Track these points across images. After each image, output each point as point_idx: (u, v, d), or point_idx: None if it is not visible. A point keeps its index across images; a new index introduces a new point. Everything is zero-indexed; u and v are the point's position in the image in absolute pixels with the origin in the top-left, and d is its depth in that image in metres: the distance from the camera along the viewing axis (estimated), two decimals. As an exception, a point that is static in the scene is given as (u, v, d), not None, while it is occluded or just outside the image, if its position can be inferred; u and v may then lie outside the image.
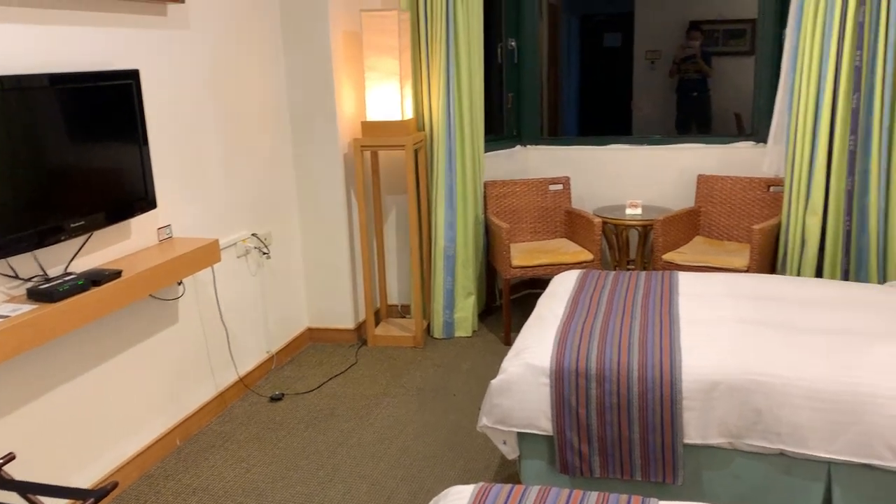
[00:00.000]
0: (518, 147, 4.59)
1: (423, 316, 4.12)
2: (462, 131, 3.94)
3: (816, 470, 2.23)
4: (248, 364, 3.62)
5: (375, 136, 3.81)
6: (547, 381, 2.39)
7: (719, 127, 7.57)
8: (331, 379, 3.68)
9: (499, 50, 4.55)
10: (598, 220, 3.91)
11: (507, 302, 3.95)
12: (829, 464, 2.21)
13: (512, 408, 2.43)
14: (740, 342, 2.41)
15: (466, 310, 4.09)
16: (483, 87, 4.04)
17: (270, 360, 3.80)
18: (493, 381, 2.46)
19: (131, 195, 2.69)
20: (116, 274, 2.52)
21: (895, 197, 3.42)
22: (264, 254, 3.70)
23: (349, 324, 4.09)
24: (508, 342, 3.97)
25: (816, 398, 2.18)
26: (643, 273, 3.15)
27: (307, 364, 3.87)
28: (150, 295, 2.92)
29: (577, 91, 9.35)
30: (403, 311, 4.38)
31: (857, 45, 3.39)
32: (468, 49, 3.88)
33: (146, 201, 2.77)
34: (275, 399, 3.48)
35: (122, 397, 2.82)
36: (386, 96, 3.78)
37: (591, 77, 9.25)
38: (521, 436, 2.48)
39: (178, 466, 2.94)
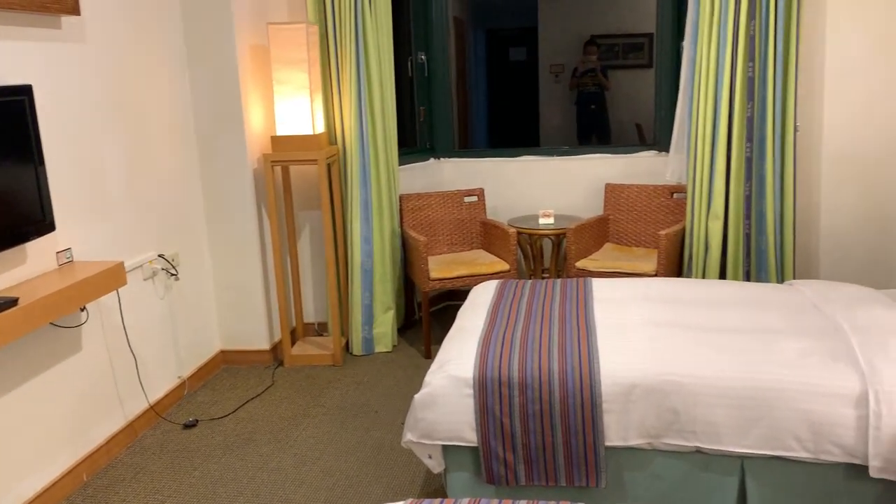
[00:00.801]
0: (432, 160, 4.61)
1: (341, 333, 4.06)
2: (375, 145, 3.91)
3: (731, 464, 2.32)
4: (158, 391, 3.47)
5: (286, 150, 3.73)
6: (471, 391, 2.39)
7: (622, 137, 7.84)
8: (247, 402, 3.56)
9: (409, 63, 4.56)
10: (513, 231, 3.96)
11: (426, 315, 3.94)
12: (743, 458, 2.30)
13: (436, 421, 2.41)
14: (654, 344, 2.48)
15: (385, 325, 4.06)
16: (395, 100, 4.04)
17: (182, 385, 3.65)
18: (417, 396, 2.44)
19: (27, 218, 2.53)
20: (12, 302, 2.36)
21: (789, 200, 3.62)
22: (172, 275, 3.56)
23: (264, 344, 3.98)
24: (429, 355, 3.96)
25: (728, 395, 2.26)
26: (559, 281, 3.21)
27: (221, 388, 3.73)
28: (51, 323, 2.75)
29: (485, 104, 9.49)
30: (321, 329, 4.30)
31: (750, 56, 3.57)
32: (378, 62, 3.87)
33: (43, 224, 2.61)
34: (188, 426, 3.34)
35: (23, 432, 2.64)
36: (296, 110, 3.71)
37: (498, 90, 9.41)
38: (446, 448, 2.47)
39: (86, 503, 2.78)
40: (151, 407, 3.38)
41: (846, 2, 3.42)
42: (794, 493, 2.28)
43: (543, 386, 2.36)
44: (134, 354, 3.26)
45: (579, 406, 2.33)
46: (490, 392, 2.38)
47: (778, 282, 3.69)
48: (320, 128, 3.87)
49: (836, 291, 2.88)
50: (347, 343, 4.12)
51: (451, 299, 4.80)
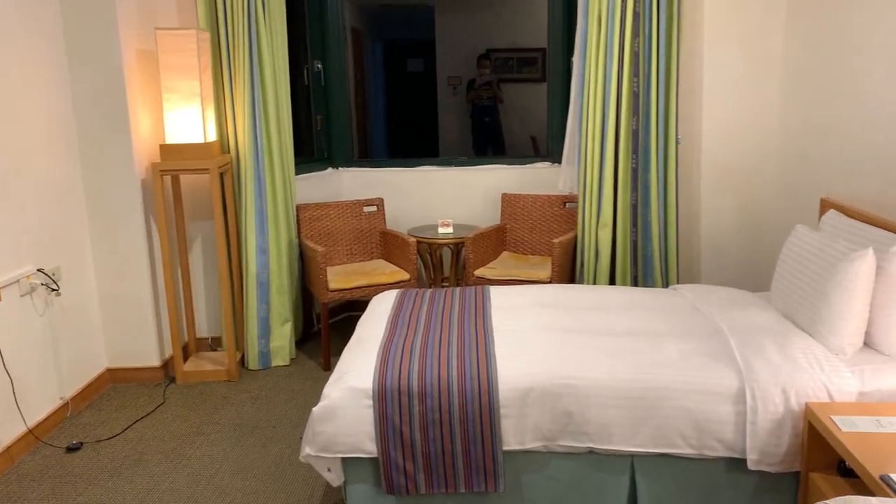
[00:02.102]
0: (330, 169, 4.57)
1: (236, 347, 3.95)
2: (271, 154, 3.84)
3: (622, 463, 2.41)
4: (38, 413, 3.26)
5: (176, 159, 3.61)
6: (370, 402, 2.38)
7: (517, 149, 8.02)
8: (136, 422, 3.40)
9: (305, 72, 4.51)
10: (412, 241, 3.98)
11: (325, 326, 3.89)
12: (633, 456, 2.39)
13: (335, 433, 2.38)
14: (548, 349, 2.54)
15: (283, 338, 3.98)
16: (290, 108, 3.98)
17: (65, 406, 3.45)
18: (315, 409, 2.41)
19: None
20: None
21: (672, 209, 3.81)
22: (53, 290, 3.36)
23: (154, 361, 3.82)
24: (329, 367, 3.91)
25: (617, 396, 2.35)
26: (457, 289, 3.25)
27: (108, 408, 3.55)
28: (-88, 344, 2.54)
29: (385, 115, 9.50)
30: (215, 344, 4.17)
31: (634, 72, 3.74)
32: (273, 70, 3.81)
33: None
34: (72, 449, 3.16)
35: None
36: (187, 118, 3.60)
37: (397, 101, 9.44)
38: (345, 461, 2.45)
39: (-45, 538, 2.58)
40: (30, 431, 3.17)
41: (721, 22, 3.65)
42: (680, 489, 2.39)
43: (443, 394, 2.38)
44: (10, 376, 3.06)
45: (478, 412, 2.37)
46: (390, 402, 2.38)
47: (663, 286, 3.87)
48: (212, 136, 3.77)
49: (715, 295, 3.05)
50: (243, 357, 4.01)
51: (351, 310, 4.76)
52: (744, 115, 3.74)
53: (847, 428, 2.08)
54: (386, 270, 4.05)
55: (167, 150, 3.61)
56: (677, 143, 3.80)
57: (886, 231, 2.59)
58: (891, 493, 1.76)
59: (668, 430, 2.33)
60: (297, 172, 4.23)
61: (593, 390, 2.36)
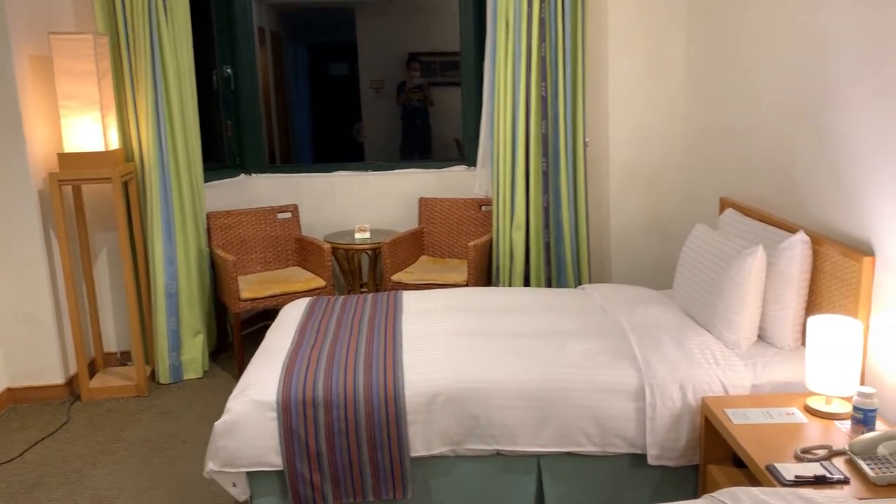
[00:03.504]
0: (242, 176, 4.48)
1: (145, 361, 3.83)
2: (177, 161, 3.74)
3: (528, 464, 2.43)
4: (-74, 440, 3.08)
5: (76, 169, 3.47)
6: (274, 414, 2.34)
7: (442, 153, 8.05)
8: (37, 443, 3.26)
9: (214, 76, 4.41)
10: (327, 246, 3.93)
11: (238, 337, 3.81)
12: (539, 457, 2.42)
13: (239, 448, 2.33)
14: (455, 353, 2.55)
15: (195, 350, 3.87)
16: (198, 114, 3.88)
17: (-42, 431, 3.27)
18: (217, 423, 2.35)
19: None
20: None
21: (582, 210, 3.88)
22: (-58, 309, 3.18)
23: (58, 379, 3.66)
24: (242, 378, 3.83)
25: (521, 398, 2.38)
26: (370, 295, 3.23)
27: (7, 430, 3.39)
28: None
29: (308, 119, 9.38)
30: (123, 359, 4.02)
31: (542, 76, 3.80)
32: (178, 74, 3.71)
33: None
34: (-36, 476, 3.00)
35: None
36: (86, 126, 3.47)
37: (321, 105, 9.34)
38: (250, 475, 2.40)
39: None
40: (-83, 459, 3.00)
41: (625, 28, 3.74)
42: (585, 487, 2.43)
43: (349, 403, 2.35)
44: None
45: (384, 420, 2.35)
46: (294, 414, 2.34)
47: (575, 286, 3.94)
48: (115, 144, 3.64)
49: (621, 294, 3.12)
50: (153, 371, 3.89)
51: (266, 319, 4.68)
52: (648, 119, 3.84)
53: (738, 420, 2.15)
54: (301, 278, 4.00)
55: (66, 160, 3.47)
56: (585, 146, 3.88)
57: (778, 229, 2.70)
58: (775, 482, 1.83)
59: (571, 429, 2.37)
60: (207, 179, 4.13)
61: (497, 392, 2.38)
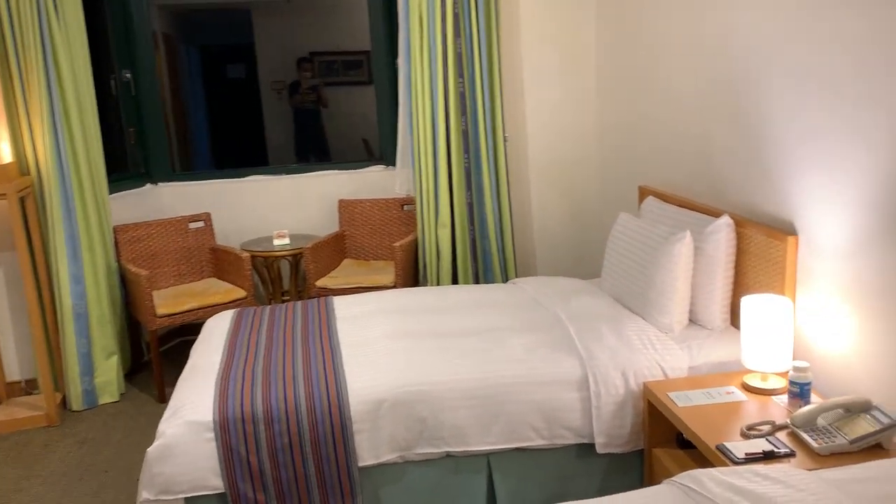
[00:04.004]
0: (148, 185, 4.25)
1: (55, 388, 3.57)
2: (79, 172, 3.50)
3: (478, 463, 2.41)
4: None
5: (-35, 186, 3.19)
6: (211, 435, 2.22)
7: (348, 153, 7.94)
8: (-63, 487, 2.98)
9: (112, 82, 4.16)
10: (246, 255, 3.78)
11: (156, 355, 3.61)
12: (488, 455, 2.40)
13: (176, 473, 2.20)
14: (396, 357, 2.50)
15: (109, 372, 3.64)
16: (98, 122, 3.65)
17: None
18: (150, 449, 2.21)
19: None
20: None
21: (505, 206, 3.90)
22: None
23: (-44, 414, 3.36)
24: (164, 399, 3.63)
25: (468, 397, 2.35)
26: (299, 303, 3.12)
27: None
28: None
29: (206, 124, 9.05)
30: (30, 387, 3.74)
31: (459, 73, 3.79)
32: (74, 80, 3.47)
33: None
34: None
35: None
36: (-27, 139, 3.19)
37: (219, 109, 9.03)
38: (189, 500, 2.26)
39: None
40: None
41: (537, 22, 3.77)
42: (535, 480, 2.43)
43: (290, 416, 2.26)
44: None
45: (329, 431, 2.27)
46: (233, 432, 2.22)
47: (502, 281, 3.96)
48: (8, 157, 3.37)
49: (552, 286, 3.15)
50: (64, 398, 3.63)
51: (184, 334, 4.46)
52: (564, 111, 3.90)
53: (682, 403, 2.20)
54: (220, 289, 3.83)
55: (-48, 176, 3.18)
56: (505, 141, 3.89)
57: (700, 213, 2.78)
58: (727, 461, 1.88)
59: (519, 425, 2.36)
60: (112, 191, 3.88)
61: (444, 393, 2.35)
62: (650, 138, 3.36)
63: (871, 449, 1.87)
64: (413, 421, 2.32)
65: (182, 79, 8.35)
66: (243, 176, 4.38)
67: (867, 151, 2.02)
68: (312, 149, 7.69)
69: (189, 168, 8.07)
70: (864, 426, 1.88)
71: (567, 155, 3.95)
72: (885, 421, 1.86)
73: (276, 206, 4.41)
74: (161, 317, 3.56)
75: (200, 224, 4.14)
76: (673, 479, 1.72)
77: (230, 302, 3.73)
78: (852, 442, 1.85)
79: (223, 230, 4.33)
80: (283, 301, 4.21)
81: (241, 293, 3.78)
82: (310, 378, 2.38)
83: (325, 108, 7.58)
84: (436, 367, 2.42)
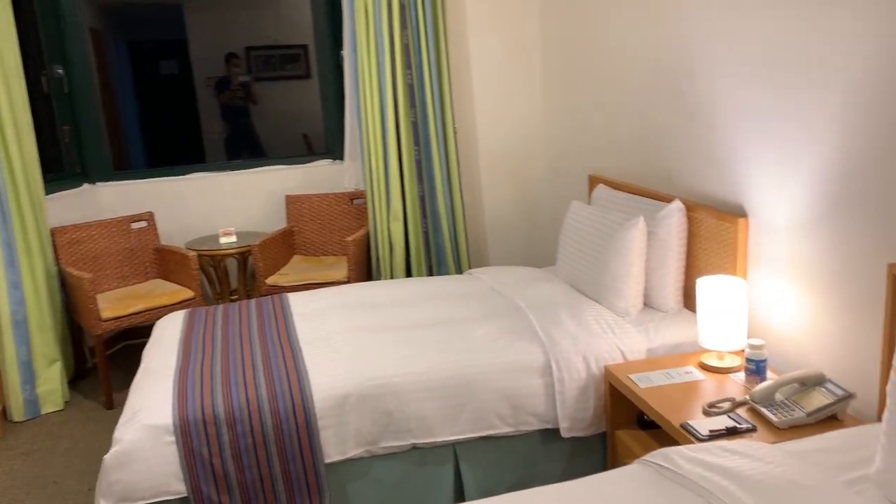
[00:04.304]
0: (86, 185, 4.09)
1: (-6, 399, 3.41)
2: (12, 173, 3.35)
3: (445, 454, 2.41)
4: None
5: None
6: (172, 438, 2.16)
7: (287, 150, 7.81)
8: None
9: (43, 79, 3.99)
10: (193, 254, 3.69)
11: (102, 361, 3.49)
12: (455, 445, 2.40)
13: (135, 480, 2.13)
14: (359, 351, 2.47)
15: (52, 380, 3.50)
16: (31, 121, 3.49)
17: None
18: (107, 457, 2.13)
19: None
20: None
21: (457, 197, 3.90)
22: None
23: None
24: (112, 405, 3.51)
25: (434, 388, 2.35)
26: (252, 301, 3.06)
27: None
28: None
29: (138, 122, 8.79)
30: (-34, 399, 3.56)
31: (407, 64, 3.76)
32: (4, 77, 3.31)
33: None
34: None
35: None
36: None
37: (152, 106, 8.78)
38: (150, 507, 2.20)
39: None
40: None
41: (482, 11, 3.78)
42: (502, 468, 2.44)
43: (253, 416, 2.22)
44: None
45: (294, 429, 2.24)
46: (195, 435, 2.17)
47: (456, 273, 3.96)
48: (-66, 158, 3.20)
49: (508, 275, 3.17)
50: (4, 409, 3.48)
51: (129, 338, 4.32)
52: (511, 102, 3.92)
53: (644, 384, 2.24)
54: (166, 290, 3.72)
55: None
56: (455, 132, 3.89)
57: (651, 199, 2.84)
58: (692, 439, 1.92)
59: (485, 413, 2.37)
60: (48, 192, 3.72)
61: (409, 386, 2.34)
62: (599, 127, 3.41)
63: (827, 420, 1.95)
64: (379, 414, 2.31)
65: (112, 76, 8.09)
66: (185, 173, 4.26)
67: (811, 133, 2.10)
68: (244, 146, 7.56)
69: (123, 167, 7.82)
70: (819, 399, 1.95)
71: (516, 145, 3.98)
72: (839, 393, 1.94)
73: (221, 204, 4.31)
74: (106, 320, 3.44)
75: (143, 224, 4.01)
76: (644, 458, 1.76)
77: (178, 303, 3.63)
78: (809, 414, 1.92)
79: (166, 230, 4.21)
80: (233, 300, 4.12)
81: (188, 293, 3.69)
82: (271, 376, 2.34)
83: (255, 105, 7.46)
84: (400, 359, 2.41)
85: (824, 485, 1.51)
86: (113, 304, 3.55)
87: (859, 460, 1.65)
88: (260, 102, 7.52)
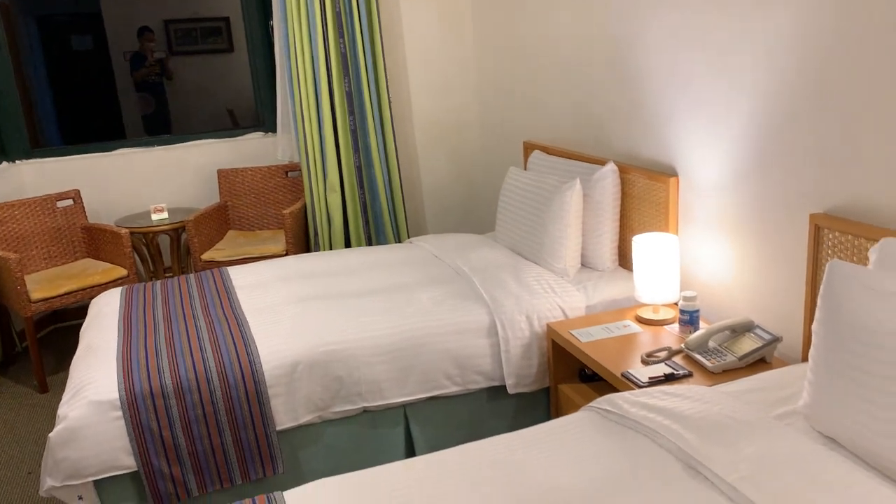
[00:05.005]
0: (5, 164, 3.92)
1: (-82, 388, 3.27)
2: (-75, 152, 3.18)
3: (395, 416, 2.45)
4: None
5: None
6: (119, 413, 2.13)
7: (210, 125, 7.62)
8: None
9: (-47, 51, 3.78)
10: (125, 232, 3.59)
11: (33, 344, 3.37)
12: (405, 406, 2.45)
13: (83, 456, 2.10)
14: (306, 319, 2.48)
15: (-20, 365, 3.38)
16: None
17: None
18: (52, 435, 2.09)
19: None
20: None
21: (394, 167, 3.91)
22: None
23: None
24: (46, 389, 3.41)
25: (383, 352, 2.38)
26: (192, 276, 3.02)
27: None
28: None
29: (52, 98, 8.41)
30: None
31: (340, 33, 3.73)
32: (-88, 50, 3.13)
33: None
34: None
35: None
36: None
37: (66, 83, 8.40)
38: (98, 483, 2.17)
39: None
40: None
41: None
42: (451, 426, 2.51)
43: (202, 387, 2.21)
44: None
45: (244, 398, 2.24)
46: (143, 408, 2.14)
47: (395, 242, 3.98)
48: None
49: (449, 242, 3.22)
50: (-71, 398, 3.34)
51: (58, 321, 4.19)
52: (445, 70, 3.94)
53: (585, 339, 2.34)
54: (98, 269, 3.62)
55: None
56: (389, 102, 3.89)
57: (586, 163, 2.93)
58: (633, 386, 2.02)
59: (433, 374, 2.43)
60: (-36, 171, 3.56)
61: (358, 351, 2.37)
62: (531, 95, 3.48)
63: (757, 363, 2.08)
64: (329, 380, 2.33)
65: (22, 51, 7.69)
66: (111, 150, 4.12)
67: (737, 95, 2.21)
68: (165, 123, 7.36)
69: (39, 144, 7.49)
70: (748, 344, 2.08)
71: (450, 114, 4.01)
72: (767, 337, 2.07)
73: (150, 180, 4.19)
74: (37, 302, 3.33)
75: (69, 202, 3.87)
76: (590, 404, 1.84)
77: (111, 281, 3.54)
78: (740, 358, 2.05)
79: (94, 208, 4.07)
80: (167, 277, 4.03)
81: (121, 272, 3.60)
82: (217, 347, 2.33)
83: (170, 81, 7.26)
84: (348, 325, 2.43)
85: (758, 419, 1.62)
86: (42, 285, 3.44)
87: (788, 397, 1.78)
88: (179, 78, 7.30)
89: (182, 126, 7.48)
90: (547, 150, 3.30)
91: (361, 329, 2.41)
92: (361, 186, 3.91)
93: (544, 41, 3.28)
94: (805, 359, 2.04)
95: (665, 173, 2.57)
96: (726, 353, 2.08)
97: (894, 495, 1.36)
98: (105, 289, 3.50)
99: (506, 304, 2.51)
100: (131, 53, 7.25)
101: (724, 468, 1.47)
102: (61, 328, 4.16)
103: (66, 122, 8.42)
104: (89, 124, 8.34)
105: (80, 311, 4.19)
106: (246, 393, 2.24)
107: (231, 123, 7.48)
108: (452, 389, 2.46)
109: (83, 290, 3.46)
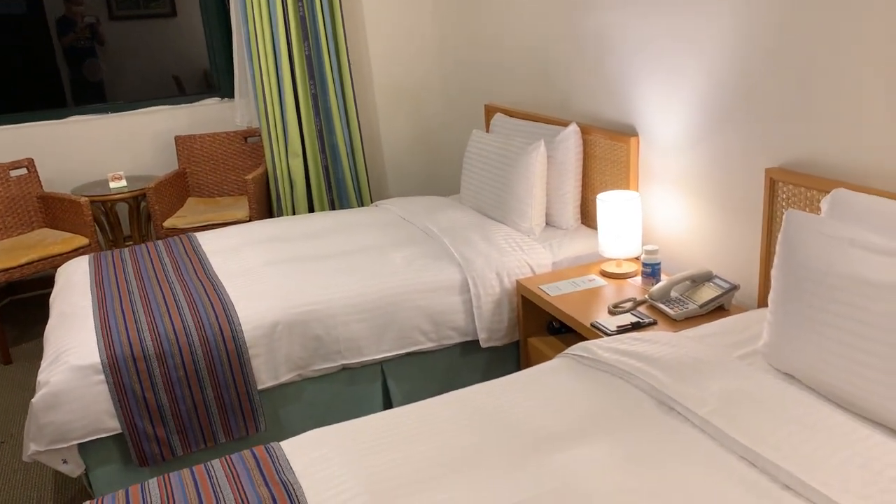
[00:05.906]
0: (-49, 133, 3.80)
1: None
2: None
3: (373, 372, 2.53)
4: None
5: None
6: (101, 377, 2.15)
7: (159, 91, 7.44)
8: None
9: None
10: (85, 200, 3.54)
11: (-6, 314, 3.33)
12: (382, 363, 2.53)
13: (67, 420, 2.12)
14: (283, 281, 2.53)
15: (-61, 338, 3.32)
16: None
17: None
18: (35, 400, 2.10)
19: None
20: None
21: (355, 131, 3.93)
22: None
23: None
24: (9, 360, 3.37)
25: (360, 311, 2.45)
26: (160, 242, 3.02)
27: None
28: None
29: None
30: None
31: (298, -3, 3.71)
32: None
33: None
34: None
35: None
36: None
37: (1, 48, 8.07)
38: (82, 446, 2.20)
39: None
40: None
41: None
42: (426, 380, 2.60)
43: (183, 348, 2.24)
44: None
45: (225, 358, 2.28)
46: (125, 371, 2.17)
47: (358, 206, 4.02)
48: None
49: (416, 204, 3.28)
50: None
51: (13, 293, 4.12)
52: (404, 36, 3.96)
53: (554, 293, 2.44)
54: (58, 239, 3.57)
55: None
56: (349, 65, 3.89)
57: (548, 124, 3.01)
58: (602, 334, 2.14)
59: (409, 331, 2.51)
60: (-89, 140, 3.44)
61: (336, 310, 2.43)
62: (492, 58, 3.53)
63: (717, 311, 2.21)
64: (308, 339, 2.39)
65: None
66: (62, 117, 4.03)
67: (696, 56, 2.31)
68: (101, 90, 7.16)
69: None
70: (708, 292, 2.21)
71: (411, 78, 4.04)
72: (725, 286, 2.21)
73: (105, 148, 4.12)
74: (-4, 272, 3.28)
75: (23, 171, 3.79)
76: (566, 351, 1.95)
77: (72, 251, 3.50)
78: (701, 306, 2.18)
79: (48, 177, 3.99)
80: (127, 246, 3.99)
81: (82, 241, 3.55)
82: (196, 309, 2.36)
83: (102, 46, 7.05)
84: (324, 286, 2.48)
85: (722, 359, 1.75)
86: (0, 257, 3.38)
87: (747, 339, 1.91)
88: (120, 45, 7.08)
89: (123, 94, 7.28)
90: (509, 112, 3.37)
91: (339, 289, 2.47)
92: (323, 151, 3.92)
93: (505, 3, 3.33)
94: (761, 305, 2.19)
95: (626, 133, 2.68)
96: (688, 302, 2.21)
97: (847, 421, 1.50)
98: (66, 258, 3.46)
99: (476, 263, 2.60)
100: (58, 18, 7.00)
101: (695, 403, 1.59)
102: (19, 300, 4.09)
103: (4, 90, 8.11)
104: (27, 92, 8.05)
105: (37, 283, 4.13)
106: (227, 353, 2.28)
107: (177, 90, 7.32)
108: (428, 345, 2.54)
109: (43, 259, 3.42)
